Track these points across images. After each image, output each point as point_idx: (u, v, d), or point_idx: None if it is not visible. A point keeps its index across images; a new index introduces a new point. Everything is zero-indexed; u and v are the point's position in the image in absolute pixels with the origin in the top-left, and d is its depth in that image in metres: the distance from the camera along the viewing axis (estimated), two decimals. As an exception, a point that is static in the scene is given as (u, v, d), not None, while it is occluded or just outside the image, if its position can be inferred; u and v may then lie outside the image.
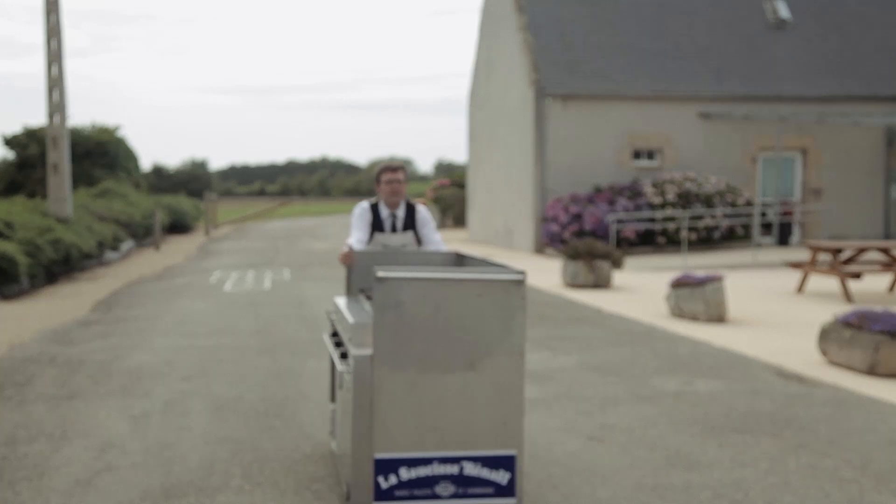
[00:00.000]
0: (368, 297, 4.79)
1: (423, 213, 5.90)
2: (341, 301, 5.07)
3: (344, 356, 4.44)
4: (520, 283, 4.08)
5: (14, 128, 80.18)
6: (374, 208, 5.83)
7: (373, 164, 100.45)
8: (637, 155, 22.72)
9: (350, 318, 4.32)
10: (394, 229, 5.81)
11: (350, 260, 5.40)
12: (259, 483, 5.06)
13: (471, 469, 4.17)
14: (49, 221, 18.39)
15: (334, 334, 5.06)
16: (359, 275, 5.37)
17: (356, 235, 5.76)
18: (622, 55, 23.11)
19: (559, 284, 15.25)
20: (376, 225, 5.79)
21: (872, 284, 14.54)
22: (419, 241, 5.86)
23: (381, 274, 3.88)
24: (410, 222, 5.85)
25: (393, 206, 5.80)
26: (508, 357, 4.12)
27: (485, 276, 4.01)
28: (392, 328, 3.99)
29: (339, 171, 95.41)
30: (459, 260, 5.52)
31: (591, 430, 6.08)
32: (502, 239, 24.92)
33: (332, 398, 5.36)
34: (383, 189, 5.79)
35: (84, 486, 5.01)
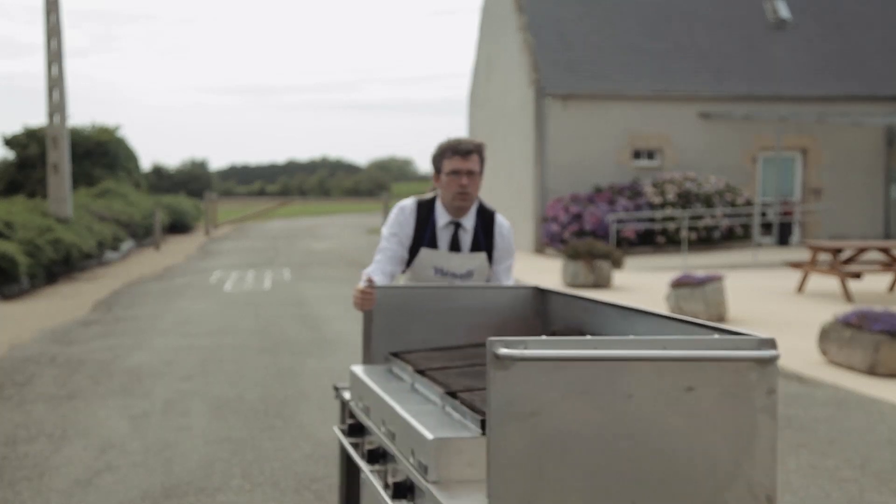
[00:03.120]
0: (421, 372, 2.88)
1: (507, 231, 3.84)
2: (365, 374, 3.15)
3: (403, 491, 2.52)
4: (768, 364, 2.18)
5: (14, 128, 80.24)
6: (425, 210, 3.76)
7: (373, 164, 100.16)
8: (637, 155, 22.72)
9: (418, 425, 2.43)
10: (455, 247, 3.74)
11: (369, 303, 3.35)
12: (259, 483, 5.06)
13: None
14: (49, 221, 18.39)
15: (355, 429, 3.16)
16: (386, 327, 3.42)
17: (381, 257, 3.72)
18: (622, 55, 23.11)
19: (559, 284, 15.26)
20: (424, 237, 3.73)
21: (872, 284, 14.54)
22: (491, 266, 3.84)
23: (503, 351, 2.02)
24: (485, 240, 3.77)
25: (457, 212, 3.72)
26: None
27: (700, 353, 2.14)
28: (527, 458, 2.08)
29: (339, 171, 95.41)
30: (541, 299, 3.56)
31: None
32: (502, 239, 24.92)
33: None
34: (445, 183, 3.68)
35: (84, 486, 5.01)
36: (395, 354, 3.25)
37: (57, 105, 20.90)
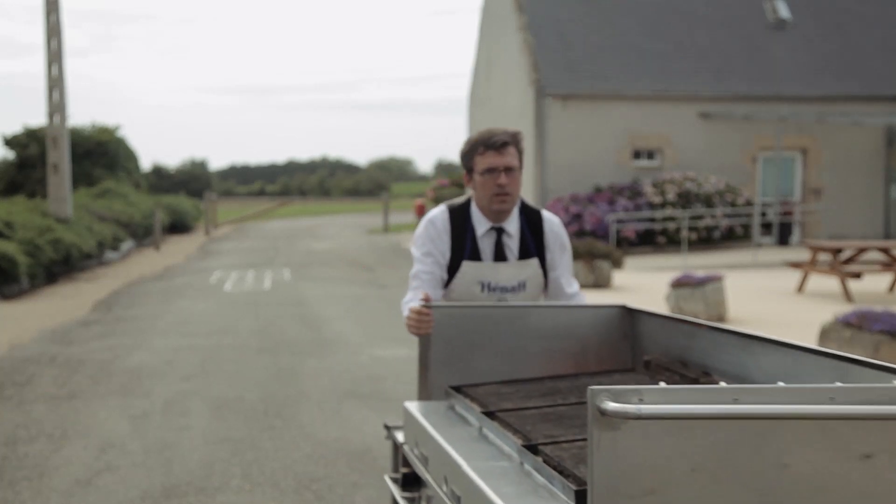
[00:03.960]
0: (490, 414, 2.39)
1: (558, 227, 3.35)
2: (422, 414, 2.65)
3: None
4: None
5: (14, 128, 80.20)
6: (460, 218, 3.26)
7: (373, 164, 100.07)
8: (637, 155, 22.72)
9: (492, 493, 1.94)
10: (501, 256, 3.24)
11: (426, 326, 2.89)
12: (259, 483, 5.06)
13: None
14: (49, 221, 18.39)
15: (410, 480, 2.80)
16: (446, 354, 2.90)
17: (419, 283, 3.20)
18: (622, 55, 23.11)
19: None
20: (464, 249, 3.22)
21: (872, 284, 14.54)
22: (545, 274, 3.29)
23: (611, 406, 1.52)
24: (535, 243, 3.27)
25: (498, 216, 3.23)
26: None
27: (883, 409, 1.57)
28: None
29: (339, 171, 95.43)
30: (630, 320, 3.03)
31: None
32: (502, 239, 24.92)
33: None
34: (479, 184, 3.20)
35: (84, 486, 5.01)
36: (457, 389, 2.71)
37: (57, 105, 20.90)
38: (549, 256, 3.28)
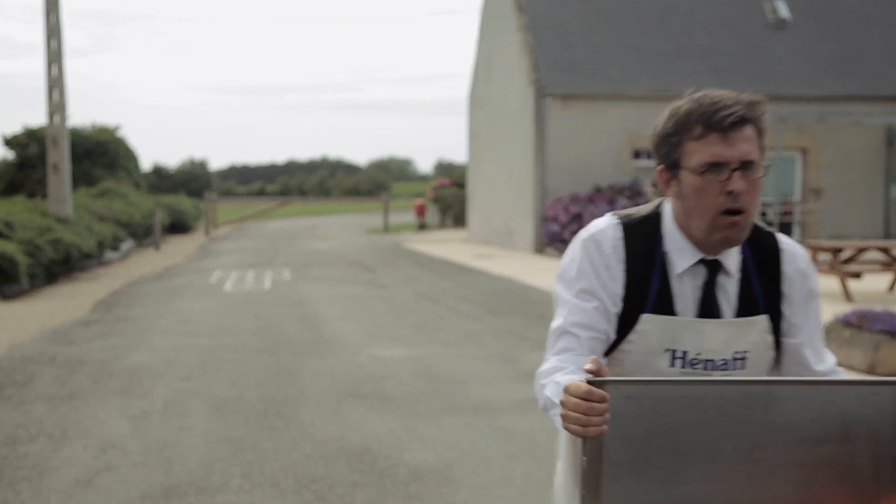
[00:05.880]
0: None
1: (804, 265, 2.02)
2: None
3: None
4: None
5: (14, 128, 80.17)
6: (644, 241, 1.97)
7: (373, 164, 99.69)
8: (637, 155, 22.72)
9: None
10: (710, 309, 1.93)
11: (600, 418, 1.56)
12: (259, 483, 5.06)
13: None
14: (49, 221, 18.39)
15: None
16: (632, 469, 1.60)
17: (570, 344, 1.89)
18: (622, 55, 23.11)
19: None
20: (647, 292, 1.93)
21: (872, 284, 14.54)
22: (778, 342, 1.98)
23: None
24: (765, 290, 1.97)
25: (716, 247, 1.92)
26: None
27: None
28: None
29: (339, 171, 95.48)
30: None
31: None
32: (502, 239, 24.92)
33: None
34: (691, 189, 1.92)
35: (84, 486, 5.02)
36: None
37: (57, 105, 20.90)
38: (787, 311, 1.98)
